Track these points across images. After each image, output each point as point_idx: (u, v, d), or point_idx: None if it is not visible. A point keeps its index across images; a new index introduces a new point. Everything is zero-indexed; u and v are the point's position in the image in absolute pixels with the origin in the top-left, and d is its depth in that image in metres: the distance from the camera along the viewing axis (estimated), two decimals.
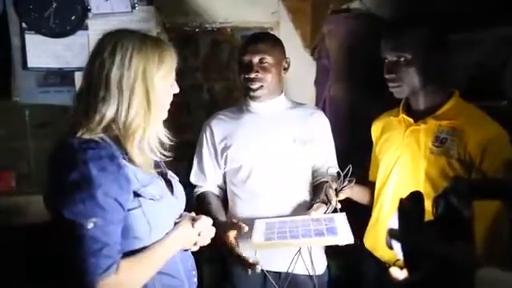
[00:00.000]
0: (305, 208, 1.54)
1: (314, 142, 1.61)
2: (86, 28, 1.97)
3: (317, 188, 1.62)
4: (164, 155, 1.10)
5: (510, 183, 0.90)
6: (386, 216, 1.45)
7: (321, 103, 2.10)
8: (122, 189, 0.97)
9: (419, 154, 1.37)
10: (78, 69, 1.91)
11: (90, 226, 0.92)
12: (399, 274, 0.77)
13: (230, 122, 1.63)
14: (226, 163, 1.61)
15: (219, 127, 1.63)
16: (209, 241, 1.20)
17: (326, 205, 1.47)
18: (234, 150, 1.58)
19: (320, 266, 1.63)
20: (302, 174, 1.62)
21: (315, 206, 1.49)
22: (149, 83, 1.02)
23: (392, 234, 0.76)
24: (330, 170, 1.53)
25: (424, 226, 0.76)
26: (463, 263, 0.66)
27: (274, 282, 1.53)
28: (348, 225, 1.39)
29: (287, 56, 1.64)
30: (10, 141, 1.98)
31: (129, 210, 1.00)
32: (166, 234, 1.08)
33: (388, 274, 0.79)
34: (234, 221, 1.45)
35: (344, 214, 1.45)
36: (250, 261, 1.38)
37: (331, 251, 1.68)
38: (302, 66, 2.04)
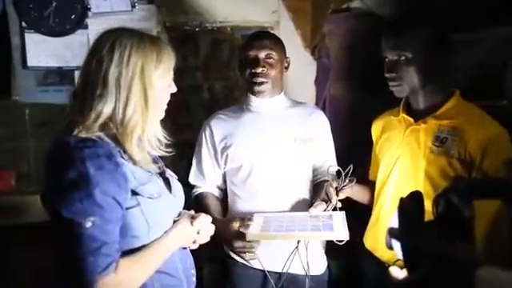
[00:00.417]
0: (305, 207, 1.54)
1: (314, 141, 1.61)
2: (86, 27, 1.97)
3: (317, 187, 1.62)
4: (164, 151, 1.11)
5: (511, 182, 0.90)
6: (386, 215, 1.45)
7: (321, 102, 2.10)
8: (120, 187, 0.97)
9: (419, 154, 1.37)
10: (78, 68, 1.88)
11: (89, 224, 0.92)
12: (399, 273, 0.77)
13: (230, 122, 1.63)
14: (226, 163, 1.61)
15: (219, 126, 1.63)
16: (208, 239, 1.20)
17: (326, 203, 1.47)
18: (235, 149, 1.58)
19: (320, 265, 1.63)
20: (303, 172, 1.62)
21: (315, 203, 1.49)
22: (147, 81, 1.02)
23: (392, 233, 0.76)
24: (331, 169, 1.53)
25: (424, 226, 0.76)
26: (463, 263, 0.66)
27: (273, 282, 1.53)
28: (345, 222, 1.39)
29: (287, 55, 1.65)
30: (10, 140, 1.98)
31: (127, 208, 1.00)
32: (165, 232, 1.08)
33: (388, 273, 0.79)
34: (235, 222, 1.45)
35: (343, 212, 1.45)
36: (250, 251, 1.40)
37: (331, 251, 1.68)
38: (302, 66, 2.04)
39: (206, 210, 1.53)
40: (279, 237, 1.36)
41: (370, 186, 1.59)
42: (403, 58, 1.35)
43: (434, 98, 1.39)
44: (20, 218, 1.88)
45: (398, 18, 1.55)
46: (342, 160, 1.65)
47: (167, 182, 1.16)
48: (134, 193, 1.01)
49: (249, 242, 1.40)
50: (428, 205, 0.76)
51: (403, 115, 1.45)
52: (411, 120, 1.42)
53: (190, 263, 1.20)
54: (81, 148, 0.95)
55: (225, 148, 1.60)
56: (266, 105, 1.61)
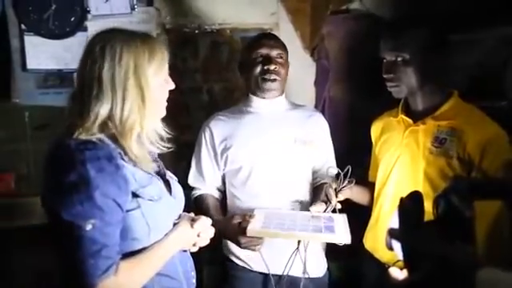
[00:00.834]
0: (305, 209, 1.54)
1: (314, 143, 1.61)
2: (86, 29, 1.97)
3: (317, 189, 1.62)
4: (164, 147, 1.11)
5: (511, 183, 0.90)
6: (385, 216, 1.45)
7: (320, 104, 2.09)
8: (121, 189, 0.97)
9: (418, 155, 1.37)
10: None
11: (89, 227, 0.92)
12: (399, 274, 0.77)
13: (230, 123, 1.62)
14: (225, 164, 1.61)
15: (219, 128, 1.62)
16: (208, 241, 1.19)
17: (326, 204, 1.46)
18: (234, 150, 1.58)
19: (321, 268, 1.62)
20: (302, 174, 1.62)
21: (314, 204, 1.48)
22: (141, 78, 1.02)
23: (392, 233, 0.75)
24: (330, 171, 1.53)
25: (424, 226, 0.76)
26: (464, 263, 0.66)
27: (274, 285, 1.52)
28: (347, 225, 1.38)
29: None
30: (10, 142, 1.98)
31: (127, 210, 1.00)
32: (165, 234, 1.08)
33: (388, 274, 0.79)
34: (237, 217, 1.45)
35: (345, 215, 1.45)
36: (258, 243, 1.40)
37: (332, 253, 1.67)
38: (301, 67, 2.04)
39: (206, 212, 1.53)
40: (280, 235, 1.36)
41: (370, 187, 1.59)
42: (400, 58, 1.35)
43: (433, 98, 1.39)
44: (20, 221, 1.88)
45: (397, 19, 1.56)
46: (341, 161, 1.65)
47: (167, 184, 1.16)
48: (135, 195, 1.01)
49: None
50: (428, 205, 0.76)
51: (402, 116, 1.45)
52: (410, 121, 1.42)
53: (190, 265, 1.20)
54: (81, 150, 0.95)
55: (224, 149, 1.60)
56: (266, 106, 1.61)
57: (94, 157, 0.95)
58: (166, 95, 1.13)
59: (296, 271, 1.50)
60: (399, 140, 1.44)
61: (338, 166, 1.62)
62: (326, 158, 1.65)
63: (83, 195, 0.92)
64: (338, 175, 1.48)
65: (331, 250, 1.63)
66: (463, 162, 1.28)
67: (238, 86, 2.10)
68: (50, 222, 1.00)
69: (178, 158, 1.88)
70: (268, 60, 1.56)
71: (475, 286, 0.63)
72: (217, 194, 1.68)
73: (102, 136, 1.00)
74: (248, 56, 1.60)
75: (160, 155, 1.25)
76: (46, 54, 1.96)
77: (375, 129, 1.59)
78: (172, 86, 1.13)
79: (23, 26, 1.94)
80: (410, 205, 0.76)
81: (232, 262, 1.60)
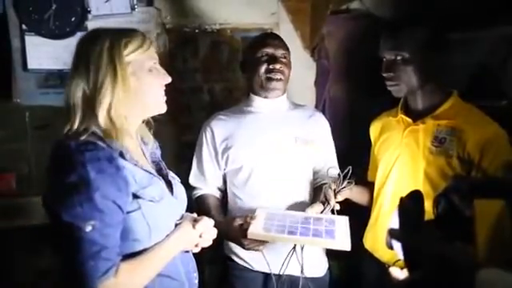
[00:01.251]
0: (305, 209, 1.53)
1: (315, 143, 1.61)
2: (86, 29, 1.97)
3: (317, 190, 1.62)
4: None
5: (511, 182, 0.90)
6: (385, 216, 1.45)
7: (321, 104, 2.10)
8: (121, 191, 0.97)
9: (418, 154, 1.37)
10: None
11: (89, 228, 0.92)
12: (399, 273, 0.77)
13: (231, 122, 1.62)
14: (226, 164, 1.61)
15: (220, 128, 1.62)
16: (210, 242, 1.19)
17: (324, 205, 1.46)
18: (235, 150, 1.58)
19: (321, 267, 1.63)
20: (303, 174, 1.62)
21: (312, 205, 1.48)
22: (115, 58, 1.02)
23: (392, 233, 0.76)
24: (331, 171, 1.53)
25: (425, 225, 0.76)
26: (464, 263, 0.66)
27: (275, 284, 1.52)
28: (348, 230, 1.37)
29: None
30: (11, 142, 1.98)
31: (128, 212, 0.99)
32: (167, 235, 1.08)
33: (388, 274, 0.79)
34: (238, 219, 1.45)
35: (347, 217, 1.44)
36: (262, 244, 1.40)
37: (332, 252, 1.67)
38: (302, 67, 2.04)
39: (208, 212, 1.53)
40: (280, 239, 1.35)
41: (369, 187, 1.59)
42: (400, 57, 1.35)
43: (433, 98, 1.39)
44: (21, 220, 1.89)
45: (396, 18, 1.56)
46: (341, 161, 1.65)
47: (169, 184, 1.16)
48: (135, 196, 1.01)
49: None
50: (427, 205, 0.76)
51: (402, 116, 1.46)
52: (410, 120, 1.42)
53: (192, 266, 1.19)
54: (81, 151, 0.95)
55: (225, 149, 1.60)
56: (267, 106, 1.61)
57: (95, 158, 0.95)
58: (157, 87, 1.11)
59: (296, 271, 1.50)
60: (399, 139, 1.44)
61: (338, 165, 1.63)
62: (326, 158, 1.65)
63: (83, 196, 0.92)
64: (339, 176, 1.48)
65: (331, 250, 1.63)
66: (463, 162, 1.28)
67: (238, 85, 2.11)
68: (50, 222, 1.00)
69: (180, 158, 1.89)
70: (273, 59, 1.56)
71: (475, 285, 0.63)
72: (218, 194, 1.69)
73: (95, 129, 1.00)
74: (252, 55, 1.59)
75: (162, 155, 1.26)
76: (46, 53, 1.96)
77: (374, 128, 1.59)
78: (167, 79, 1.12)
79: (24, 26, 1.94)
80: (410, 204, 0.76)
81: (233, 261, 1.60)
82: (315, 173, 1.65)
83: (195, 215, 1.20)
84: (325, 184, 1.50)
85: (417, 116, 1.41)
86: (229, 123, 1.62)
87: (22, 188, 1.99)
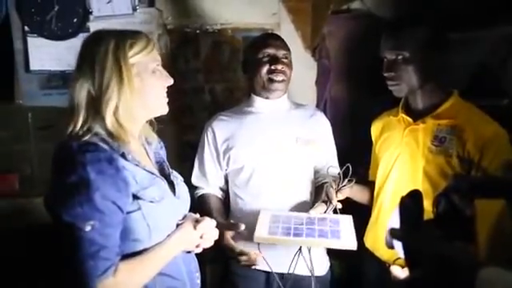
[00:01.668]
0: (307, 208, 1.54)
1: (316, 143, 1.61)
2: (88, 30, 1.98)
3: (318, 189, 1.62)
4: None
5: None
6: (385, 215, 1.45)
7: (322, 103, 2.10)
8: (121, 192, 0.98)
9: (418, 153, 1.37)
10: None
11: (88, 228, 0.93)
12: (400, 272, 0.78)
13: (232, 123, 1.63)
14: (228, 164, 1.61)
15: (221, 128, 1.63)
16: (212, 243, 1.19)
17: (327, 204, 1.47)
18: (237, 150, 1.58)
19: (323, 266, 1.63)
20: (305, 174, 1.62)
21: (315, 205, 1.49)
22: (121, 59, 1.02)
23: (392, 233, 0.76)
24: (331, 170, 1.53)
25: (425, 225, 0.76)
26: (464, 262, 0.66)
27: (280, 282, 1.52)
28: (353, 229, 1.38)
29: None
30: (14, 143, 1.99)
31: (128, 212, 1.00)
32: (168, 235, 1.08)
33: (389, 272, 0.79)
34: (231, 221, 1.46)
35: (350, 216, 1.45)
36: (252, 258, 1.40)
37: (333, 251, 1.68)
38: (302, 67, 2.04)
39: (209, 213, 1.53)
40: (287, 242, 1.35)
41: (370, 186, 1.59)
42: (400, 57, 1.35)
43: (433, 97, 1.39)
44: (24, 221, 1.89)
45: (397, 18, 1.56)
46: (342, 160, 1.65)
47: (172, 184, 1.16)
48: (136, 197, 1.01)
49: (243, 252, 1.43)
50: (427, 204, 0.76)
51: (402, 115, 1.46)
52: (410, 120, 1.42)
53: (194, 266, 1.20)
54: (82, 152, 0.96)
55: (227, 149, 1.60)
56: (268, 106, 1.62)
57: (95, 159, 0.96)
58: (160, 89, 1.12)
59: (299, 270, 1.50)
60: (399, 139, 1.44)
61: (339, 164, 1.63)
62: (327, 158, 1.66)
63: (83, 197, 0.93)
64: (339, 174, 1.48)
65: (333, 248, 1.63)
66: (463, 161, 1.29)
67: (239, 85, 2.11)
68: (53, 222, 1.00)
69: (181, 157, 1.89)
70: (275, 60, 1.56)
71: (477, 284, 0.63)
72: (220, 194, 1.69)
73: (99, 129, 1.01)
74: (253, 55, 1.60)
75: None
76: (48, 55, 1.97)
77: (375, 128, 1.60)
78: (169, 81, 1.13)
79: (26, 28, 1.95)
80: (410, 203, 0.77)
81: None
82: (316, 172, 1.66)
83: (198, 216, 1.20)
84: (326, 183, 1.51)
85: (417, 115, 1.41)
86: (230, 124, 1.63)
87: (24, 189, 2.00)
